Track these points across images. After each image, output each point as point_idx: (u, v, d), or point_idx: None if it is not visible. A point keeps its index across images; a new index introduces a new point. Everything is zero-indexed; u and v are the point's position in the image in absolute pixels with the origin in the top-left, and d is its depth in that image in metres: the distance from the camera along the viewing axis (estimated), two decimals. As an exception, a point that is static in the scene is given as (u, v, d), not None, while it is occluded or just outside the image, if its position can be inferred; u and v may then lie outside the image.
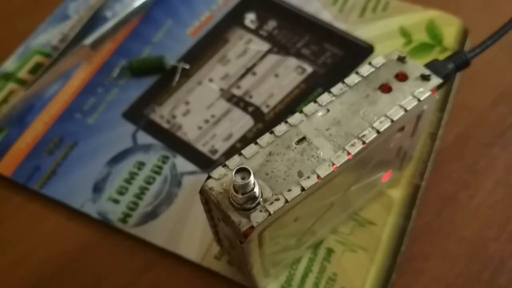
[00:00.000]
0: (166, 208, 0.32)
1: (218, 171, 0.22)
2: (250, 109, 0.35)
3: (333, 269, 0.29)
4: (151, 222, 0.31)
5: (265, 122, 0.35)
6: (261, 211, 0.21)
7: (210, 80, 0.37)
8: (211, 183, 0.22)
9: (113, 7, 0.41)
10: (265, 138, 0.23)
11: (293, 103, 0.35)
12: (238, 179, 0.20)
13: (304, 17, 0.39)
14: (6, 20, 0.42)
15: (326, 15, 0.39)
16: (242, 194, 0.21)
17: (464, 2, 0.40)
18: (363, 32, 0.38)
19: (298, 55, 0.37)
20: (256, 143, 0.23)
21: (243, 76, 0.37)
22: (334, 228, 0.30)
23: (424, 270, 0.30)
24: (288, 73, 0.37)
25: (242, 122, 0.35)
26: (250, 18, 0.40)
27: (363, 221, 0.31)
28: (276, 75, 0.37)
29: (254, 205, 0.21)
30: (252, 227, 0.21)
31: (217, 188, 0.22)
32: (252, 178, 0.21)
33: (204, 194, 0.22)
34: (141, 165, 0.33)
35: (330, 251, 0.30)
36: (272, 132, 0.23)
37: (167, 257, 0.30)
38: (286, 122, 0.23)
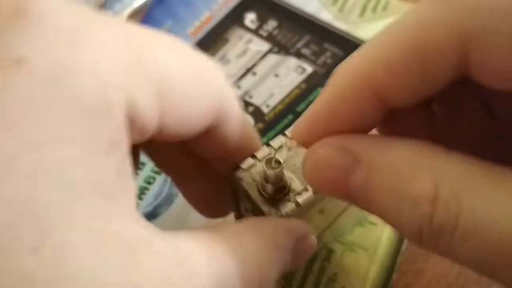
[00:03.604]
0: (167, 208, 0.32)
1: (247, 162, 0.23)
2: (250, 109, 0.35)
3: (333, 269, 0.29)
4: (151, 222, 0.31)
5: (265, 122, 0.35)
6: (289, 201, 0.21)
7: (210, 80, 0.37)
8: (240, 173, 0.22)
9: (113, 7, 0.41)
10: None
11: (293, 103, 0.35)
12: (269, 170, 0.21)
13: (304, 17, 0.39)
14: (6, 20, 0.42)
15: (326, 15, 0.39)
16: (272, 184, 0.21)
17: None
18: (363, 32, 0.38)
19: (298, 55, 0.37)
20: (284, 134, 0.23)
21: (243, 76, 0.37)
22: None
23: (424, 270, 0.30)
24: (288, 73, 0.37)
25: (242, 122, 0.35)
26: (250, 18, 0.40)
27: (363, 221, 0.31)
28: (276, 75, 0.37)
29: (283, 195, 0.21)
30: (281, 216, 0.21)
31: (246, 178, 0.22)
32: (282, 169, 0.21)
33: (233, 184, 0.23)
34: (141, 165, 0.33)
35: (330, 251, 0.30)
36: None
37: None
38: None
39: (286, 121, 0.35)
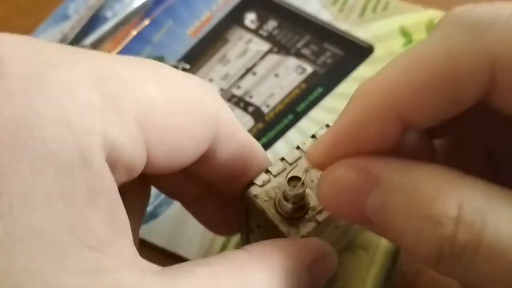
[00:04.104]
0: (166, 208, 0.32)
1: (262, 178, 0.21)
2: (250, 109, 0.35)
3: (333, 269, 0.29)
4: (151, 222, 0.31)
5: (265, 122, 0.35)
6: (309, 220, 0.20)
7: (210, 80, 0.37)
8: (254, 190, 0.21)
9: (113, 7, 0.41)
10: (307, 143, 0.22)
11: (293, 103, 0.35)
12: (291, 189, 0.20)
13: (304, 17, 0.39)
14: (6, 20, 0.42)
15: (326, 15, 0.39)
16: (293, 203, 0.20)
17: (463, 2, 0.40)
18: (363, 32, 0.38)
19: (298, 55, 0.37)
20: (298, 148, 0.22)
21: (243, 76, 0.37)
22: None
23: (424, 270, 0.30)
24: (288, 73, 0.37)
25: (242, 122, 0.35)
26: (250, 18, 0.40)
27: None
28: (276, 75, 0.37)
29: (302, 214, 0.21)
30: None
31: (262, 195, 0.21)
32: (304, 188, 0.20)
33: (247, 201, 0.21)
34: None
35: (330, 251, 0.30)
36: (313, 136, 0.22)
37: (168, 258, 0.30)
38: (328, 125, 0.22)
39: (286, 121, 0.35)
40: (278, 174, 0.21)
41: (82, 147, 0.15)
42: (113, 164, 0.16)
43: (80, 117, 0.15)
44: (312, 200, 0.21)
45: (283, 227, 0.20)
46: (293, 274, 0.18)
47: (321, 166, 0.18)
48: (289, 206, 0.20)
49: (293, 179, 0.20)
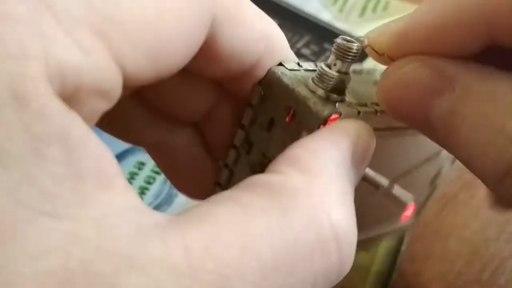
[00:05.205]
0: (166, 208, 0.32)
1: (291, 64, 0.18)
2: (250, 109, 0.35)
3: (333, 269, 0.29)
4: (151, 222, 0.31)
5: (265, 122, 0.35)
6: (348, 106, 0.17)
7: (210, 80, 0.37)
8: (281, 69, 0.17)
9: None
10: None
11: (293, 103, 0.35)
12: (343, 41, 0.17)
13: (304, 17, 0.39)
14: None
15: (326, 15, 0.39)
16: (338, 72, 0.17)
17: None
18: (363, 32, 0.38)
19: (298, 55, 0.37)
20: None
21: (243, 76, 0.37)
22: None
23: (424, 270, 0.30)
24: (288, 73, 0.37)
25: (242, 122, 0.35)
26: (250, 18, 0.40)
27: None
28: (276, 75, 0.37)
29: (340, 99, 0.17)
30: (339, 114, 0.17)
31: (290, 75, 0.17)
32: (364, 44, 0.17)
33: (270, 78, 0.17)
34: (141, 165, 0.33)
35: (330, 251, 0.30)
36: None
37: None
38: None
39: (286, 121, 0.35)
40: (309, 70, 0.18)
41: (11, 82, 0.11)
42: (73, 94, 0.12)
43: (1, 38, 0.11)
44: (350, 96, 0.18)
45: (315, 103, 0.17)
46: (348, 179, 0.15)
47: (391, 55, 0.17)
48: (333, 74, 0.17)
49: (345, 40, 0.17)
